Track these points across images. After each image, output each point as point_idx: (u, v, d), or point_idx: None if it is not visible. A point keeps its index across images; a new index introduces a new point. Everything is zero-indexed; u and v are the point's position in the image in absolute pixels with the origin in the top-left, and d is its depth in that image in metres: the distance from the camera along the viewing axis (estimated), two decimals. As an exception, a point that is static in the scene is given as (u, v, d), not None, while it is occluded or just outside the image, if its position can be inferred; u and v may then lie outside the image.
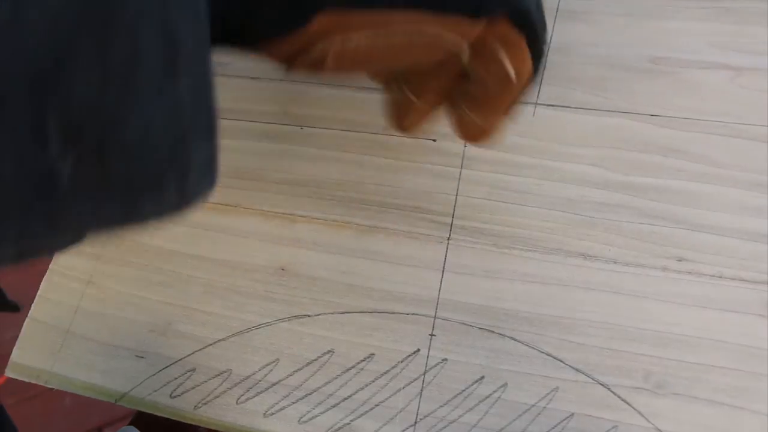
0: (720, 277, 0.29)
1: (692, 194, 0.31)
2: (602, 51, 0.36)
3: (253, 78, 0.40)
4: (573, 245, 0.31)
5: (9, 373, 0.34)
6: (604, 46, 0.36)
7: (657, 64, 0.35)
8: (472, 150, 0.35)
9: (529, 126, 0.35)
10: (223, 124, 0.39)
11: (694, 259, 0.30)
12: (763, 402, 0.27)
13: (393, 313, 0.32)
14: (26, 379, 0.34)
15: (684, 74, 0.34)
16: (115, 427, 0.92)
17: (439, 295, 0.32)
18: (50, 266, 0.36)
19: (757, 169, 0.31)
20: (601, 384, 0.28)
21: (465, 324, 0.31)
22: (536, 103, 0.35)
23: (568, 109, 0.35)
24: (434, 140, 0.36)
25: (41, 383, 0.33)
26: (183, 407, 0.31)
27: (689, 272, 0.30)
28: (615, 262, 0.31)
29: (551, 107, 0.35)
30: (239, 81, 0.40)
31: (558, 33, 0.37)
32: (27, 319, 0.35)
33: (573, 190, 0.33)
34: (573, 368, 0.29)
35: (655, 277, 0.30)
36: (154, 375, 0.32)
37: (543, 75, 0.36)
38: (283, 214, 0.35)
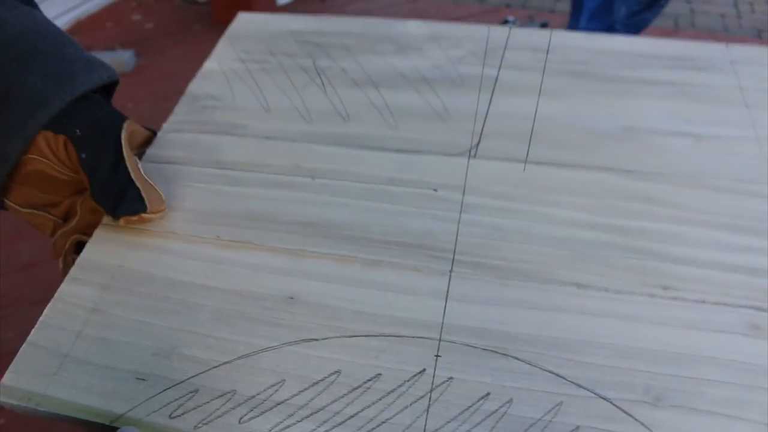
0: (703, 302, 0.32)
1: (670, 234, 0.35)
2: (581, 122, 0.41)
3: (267, 138, 0.44)
4: (566, 276, 0.34)
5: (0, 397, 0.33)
6: (582, 118, 0.41)
7: (629, 132, 0.40)
8: (470, 198, 0.38)
9: (520, 180, 0.39)
10: (237, 176, 0.42)
11: (678, 287, 0.33)
12: (759, 411, 0.28)
13: (399, 336, 0.33)
14: (15, 402, 0.32)
15: (653, 140, 0.39)
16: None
17: (443, 320, 0.33)
18: (55, 295, 0.36)
19: (723, 214, 0.35)
20: (603, 398, 0.29)
21: (469, 345, 0.32)
22: (526, 161, 0.40)
23: (554, 166, 0.39)
24: (435, 190, 0.39)
25: (32, 405, 0.32)
26: (182, 427, 0.31)
27: (674, 298, 0.32)
28: (606, 290, 0.33)
29: (539, 164, 0.39)
30: (254, 140, 0.44)
31: (542, 107, 0.42)
32: (24, 344, 0.34)
33: (563, 230, 0.36)
34: (575, 384, 0.30)
35: (644, 303, 0.32)
36: (153, 396, 0.32)
37: (531, 139, 0.41)
38: (292, 249, 0.37)
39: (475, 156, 0.40)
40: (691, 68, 0.44)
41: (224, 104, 0.46)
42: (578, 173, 0.38)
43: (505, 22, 2.21)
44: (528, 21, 2.30)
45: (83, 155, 0.38)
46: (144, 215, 0.38)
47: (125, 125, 0.39)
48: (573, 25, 2.15)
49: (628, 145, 0.39)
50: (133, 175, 0.38)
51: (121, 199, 0.38)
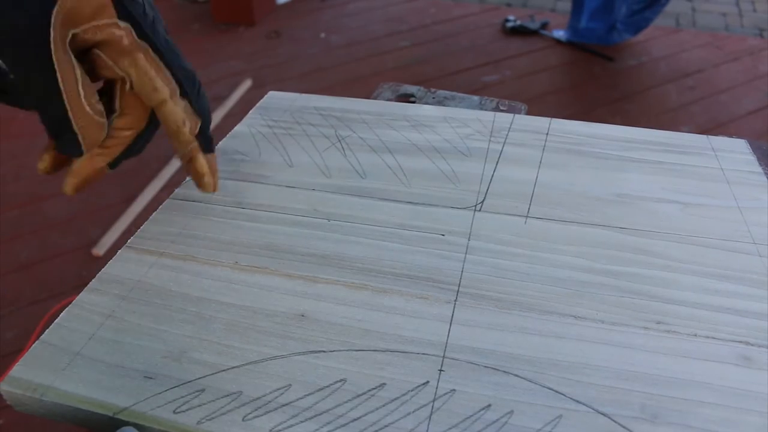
0: (695, 335, 0.34)
1: (661, 279, 0.37)
2: (577, 188, 0.45)
3: (288, 186, 0.47)
4: (565, 309, 0.36)
5: (3, 386, 0.33)
6: (578, 186, 0.45)
7: (622, 198, 0.44)
8: (475, 243, 0.41)
9: (521, 230, 0.42)
10: (258, 215, 0.45)
11: (670, 323, 0.34)
12: (755, 431, 0.29)
13: (404, 352, 0.34)
14: (20, 391, 0.32)
15: (644, 205, 0.43)
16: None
17: (447, 340, 0.34)
18: (73, 301, 0.38)
19: (711, 265, 0.38)
20: (602, 413, 0.30)
21: (472, 363, 0.33)
22: (527, 216, 0.43)
23: (553, 221, 0.42)
24: (443, 235, 0.42)
25: (36, 396, 0.32)
26: (185, 422, 0.31)
27: (668, 331, 0.34)
28: (603, 322, 0.35)
29: (539, 219, 0.43)
30: (277, 188, 0.47)
31: (541, 176, 0.47)
32: (37, 342, 0.35)
33: (561, 272, 0.38)
34: (574, 400, 0.31)
35: (639, 334, 0.34)
36: (159, 393, 0.32)
37: (532, 199, 0.44)
38: (306, 276, 0.39)
39: (480, 210, 0.44)
40: (678, 152, 0.49)
41: (251, 159, 0.51)
42: (575, 227, 0.42)
43: (506, 21, 2.26)
44: (528, 20, 2.27)
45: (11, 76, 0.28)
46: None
47: (56, 9, 0.27)
48: (573, 24, 2.20)
49: (621, 208, 0.43)
50: (68, 105, 0.29)
51: (58, 138, 0.33)
